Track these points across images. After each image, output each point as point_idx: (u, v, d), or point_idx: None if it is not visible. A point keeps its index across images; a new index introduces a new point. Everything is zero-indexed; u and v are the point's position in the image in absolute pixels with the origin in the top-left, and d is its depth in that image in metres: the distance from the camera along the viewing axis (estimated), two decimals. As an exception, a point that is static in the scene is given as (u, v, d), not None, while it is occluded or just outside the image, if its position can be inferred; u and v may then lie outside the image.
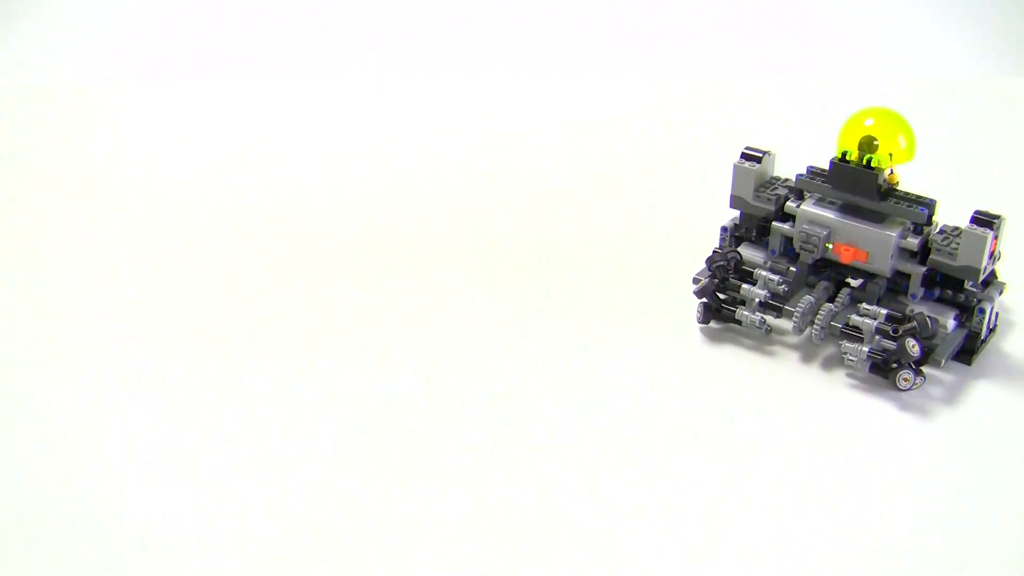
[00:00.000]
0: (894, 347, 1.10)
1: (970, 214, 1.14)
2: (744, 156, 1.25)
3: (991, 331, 1.20)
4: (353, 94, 1.86)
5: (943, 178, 1.59)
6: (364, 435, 1.10)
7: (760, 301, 1.19)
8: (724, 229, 1.28)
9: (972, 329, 1.17)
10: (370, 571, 0.95)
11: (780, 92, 1.86)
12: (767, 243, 1.25)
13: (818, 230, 1.17)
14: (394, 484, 1.04)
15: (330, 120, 1.78)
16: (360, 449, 1.08)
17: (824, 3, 2.04)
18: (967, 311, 1.16)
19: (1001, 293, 1.20)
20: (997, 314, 1.20)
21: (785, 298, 1.20)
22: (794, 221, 1.20)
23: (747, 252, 1.26)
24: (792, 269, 1.22)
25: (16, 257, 1.42)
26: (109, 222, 1.50)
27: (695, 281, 1.24)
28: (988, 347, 1.20)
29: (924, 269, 1.15)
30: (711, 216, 1.37)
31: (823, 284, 1.21)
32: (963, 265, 1.13)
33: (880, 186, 1.14)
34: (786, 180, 1.25)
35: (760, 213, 1.24)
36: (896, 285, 1.19)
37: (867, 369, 1.14)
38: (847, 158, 1.15)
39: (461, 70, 1.94)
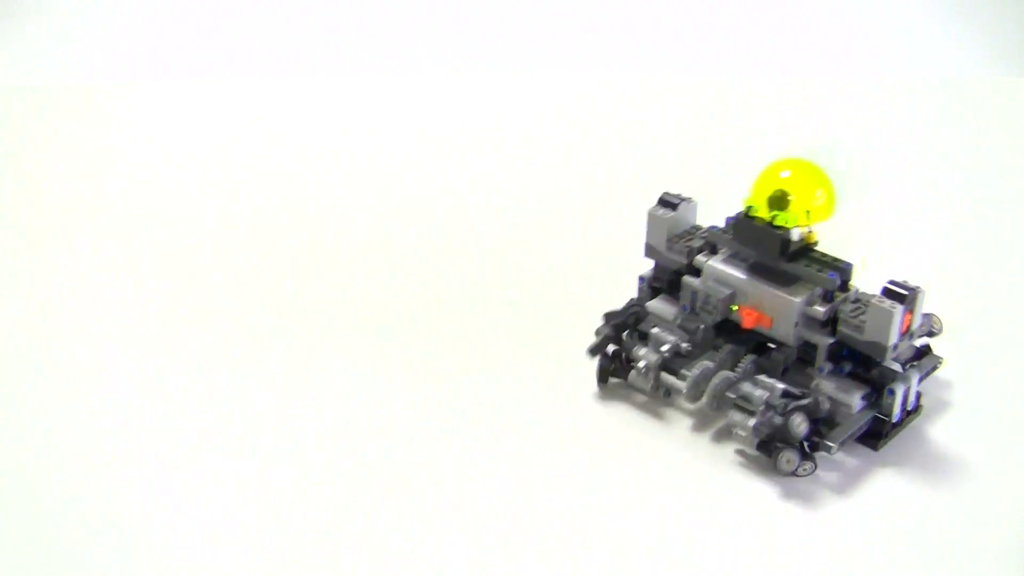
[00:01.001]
0: (780, 424, 0.99)
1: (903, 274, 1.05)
2: (660, 202, 1.15)
3: (910, 413, 1.07)
4: (351, 94, 1.86)
5: (943, 178, 1.60)
6: (348, 436, 1.10)
7: (657, 362, 1.08)
8: (642, 279, 1.18)
9: (881, 411, 1.04)
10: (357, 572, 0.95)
11: (780, 92, 1.86)
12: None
13: (720, 289, 1.07)
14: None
15: (328, 120, 1.78)
16: (343, 450, 1.09)
17: (824, 3, 2.04)
18: (879, 390, 1.04)
19: (931, 372, 1.08)
20: (919, 395, 1.07)
21: (690, 358, 1.09)
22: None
23: (660, 306, 1.15)
24: (702, 328, 1.10)
25: (16, 256, 1.42)
26: (109, 221, 1.49)
27: (597, 334, 1.14)
28: (906, 430, 1.07)
29: (831, 341, 1.04)
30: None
31: (728, 348, 1.09)
32: (870, 340, 1.01)
33: (789, 246, 1.04)
34: (706, 230, 1.14)
35: (673, 265, 1.14)
36: (807, 356, 1.07)
37: (754, 446, 1.03)
38: (751, 213, 1.05)
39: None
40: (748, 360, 1.07)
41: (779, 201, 1.03)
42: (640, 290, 1.18)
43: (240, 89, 1.87)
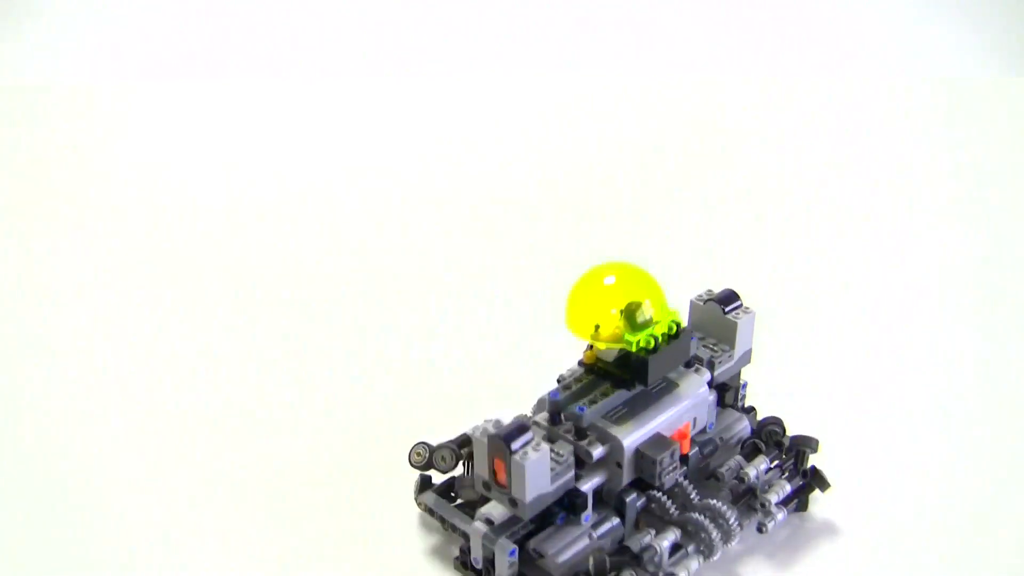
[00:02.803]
0: None
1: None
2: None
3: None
4: (350, 94, 1.86)
5: (943, 178, 1.59)
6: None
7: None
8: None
9: None
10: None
11: (780, 92, 1.86)
12: None
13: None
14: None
15: (327, 120, 1.78)
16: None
17: (824, 3, 2.04)
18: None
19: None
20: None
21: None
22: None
23: None
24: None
25: (16, 256, 1.42)
26: (108, 220, 1.49)
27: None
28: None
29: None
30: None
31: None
32: None
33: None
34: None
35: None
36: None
37: None
38: (634, 348, 0.88)
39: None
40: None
41: (635, 313, 0.87)
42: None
43: (239, 89, 1.87)
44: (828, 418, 1.08)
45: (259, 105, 1.83)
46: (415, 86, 1.88)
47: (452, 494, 0.97)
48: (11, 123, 1.78)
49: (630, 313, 0.86)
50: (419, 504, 0.96)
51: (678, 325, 0.89)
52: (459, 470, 0.96)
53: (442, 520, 0.94)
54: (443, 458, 0.95)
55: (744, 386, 1.02)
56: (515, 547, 0.87)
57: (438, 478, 0.98)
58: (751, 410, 1.02)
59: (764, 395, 1.05)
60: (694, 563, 0.89)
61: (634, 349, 0.87)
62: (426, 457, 0.96)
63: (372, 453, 1.06)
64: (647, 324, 0.87)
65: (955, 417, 1.12)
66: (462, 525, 0.91)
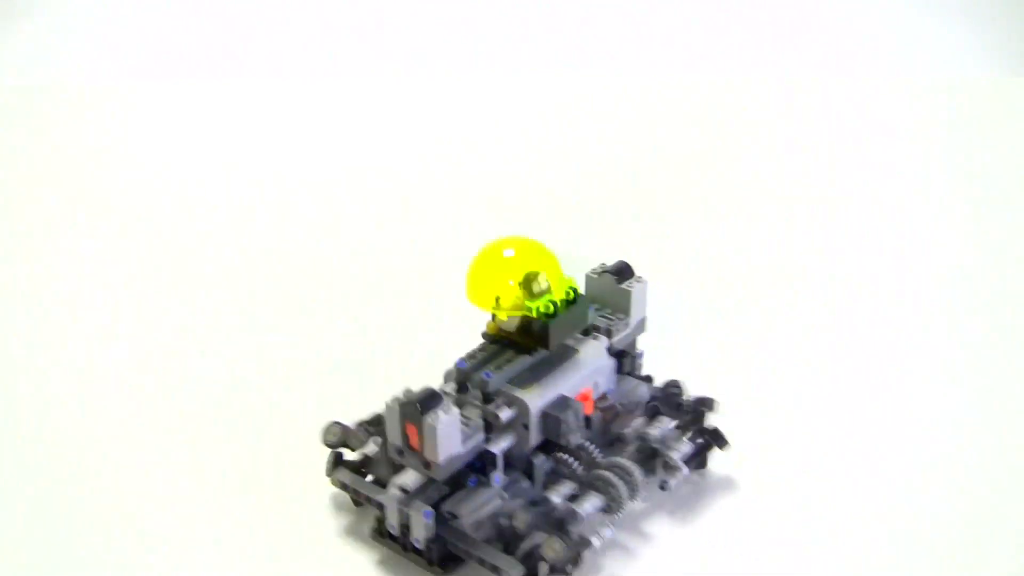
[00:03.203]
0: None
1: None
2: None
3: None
4: (349, 94, 1.86)
5: (943, 178, 1.60)
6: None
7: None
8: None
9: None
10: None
11: (780, 92, 1.86)
12: None
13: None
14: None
15: (327, 120, 1.78)
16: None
17: (824, 3, 2.04)
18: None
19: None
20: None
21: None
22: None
23: None
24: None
25: (16, 256, 1.42)
26: (108, 220, 1.50)
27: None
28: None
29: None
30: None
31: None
32: None
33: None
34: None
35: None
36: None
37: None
38: (534, 314, 0.92)
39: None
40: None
41: (532, 283, 0.92)
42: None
43: (239, 89, 1.88)
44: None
45: (259, 105, 1.83)
46: (415, 86, 1.88)
47: (363, 470, 0.98)
48: (11, 123, 1.79)
49: (528, 283, 0.92)
50: (332, 481, 0.97)
51: (575, 291, 0.94)
52: (371, 449, 0.98)
53: (356, 493, 0.96)
54: (356, 436, 0.97)
55: (640, 355, 1.06)
56: (431, 509, 0.90)
57: (350, 457, 0.99)
58: (648, 378, 1.06)
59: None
60: (608, 532, 0.92)
61: (535, 315, 0.91)
62: (339, 435, 0.97)
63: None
64: (544, 293, 0.92)
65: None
66: (377, 495, 0.93)
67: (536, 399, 0.92)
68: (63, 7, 2.03)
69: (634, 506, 0.96)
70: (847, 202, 1.53)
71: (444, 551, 0.91)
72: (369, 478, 0.97)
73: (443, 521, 0.91)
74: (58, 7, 2.03)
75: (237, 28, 2.01)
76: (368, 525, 0.95)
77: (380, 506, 0.93)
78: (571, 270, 0.95)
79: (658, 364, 1.07)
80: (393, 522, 0.92)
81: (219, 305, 1.32)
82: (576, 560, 0.89)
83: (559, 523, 0.90)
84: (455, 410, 0.87)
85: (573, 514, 0.90)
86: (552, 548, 0.87)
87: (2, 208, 1.54)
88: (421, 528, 0.90)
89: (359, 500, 0.97)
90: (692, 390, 1.03)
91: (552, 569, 0.88)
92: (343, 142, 1.72)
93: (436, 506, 0.90)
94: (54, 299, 1.33)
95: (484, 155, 1.68)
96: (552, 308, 0.92)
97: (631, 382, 1.04)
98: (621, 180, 1.60)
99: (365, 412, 0.99)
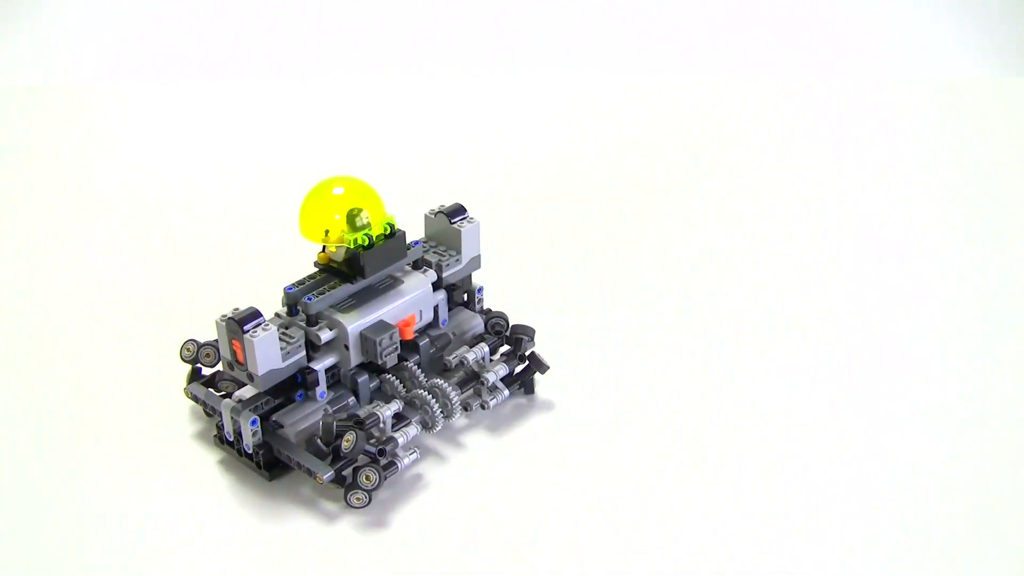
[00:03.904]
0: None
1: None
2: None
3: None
4: (348, 94, 1.86)
5: (943, 178, 1.60)
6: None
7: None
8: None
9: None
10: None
11: (780, 92, 1.86)
12: None
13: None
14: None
15: (326, 120, 1.78)
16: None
17: (824, 3, 2.04)
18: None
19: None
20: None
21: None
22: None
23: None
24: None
25: (16, 256, 1.42)
26: (108, 220, 1.50)
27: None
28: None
29: None
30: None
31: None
32: None
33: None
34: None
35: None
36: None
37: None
38: (360, 242, 1.02)
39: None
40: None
41: (355, 218, 1.02)
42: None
43: (239, 89, 1.88)
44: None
45: (258, 105, 1.84)
46: (415, 86, 1.89)
47: (216, 385, 1.10)
48: (11, 123, 1.79)
49: (351, 217, 1.02)
50: (185, 393, 1.09)
51: (392, 227, 1.03)
52: (221, 366, 1.06)
53: (204, 404, 1.07)
54: (207, 354, 1.09)
55: (480, 290, 1.15)
56: (256, 418, 1.01)
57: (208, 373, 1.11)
58: (488, 312, 1.16)
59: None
60: (413, 430, 1.02)
61: (352, 246, 1.01)
62: (194, 352, 1.10)
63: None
64: (365, 227, 1.02)
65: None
66: (217, 405, 1.04)
67: (355, 323, 1.02)
68: (63, 7, 2.03)
69: (456, 422, 1.09)
70: (847, 202, 1.53)
71: (270, 457, 1.02)
72: (221, 394, 1.08)
73: (271, 431, 1.02)
74: (58, 7, 2.03)
75: (236, 28, 2.01)
76: (213, 432, 1.07)
77: (220, 413, 1.04)
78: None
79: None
80: (228, 429, 1.03)
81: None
82: (378, 449, 0.99)
83: (359, 421, 1.00)
84: (273, 328, 0.97)
85: (373, 417, 1.00)
86: (347, 440, 0.97)
87: (2, 208, 1.54)
88: (248, 434, 1.01)
89: (208, 411, 1.09)
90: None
91: (348, 459, 0.98)
92: (343, 142, 1.72)
93: (266, 417, 1.02)
94: (54, 299, 1.33)
95: (484, 155, 1.68)
96: (367, 240, 1.01)
97: (467, 314, 1.14)
98: (621, 180, 1.60)
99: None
